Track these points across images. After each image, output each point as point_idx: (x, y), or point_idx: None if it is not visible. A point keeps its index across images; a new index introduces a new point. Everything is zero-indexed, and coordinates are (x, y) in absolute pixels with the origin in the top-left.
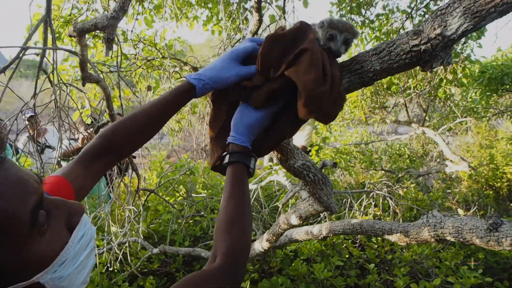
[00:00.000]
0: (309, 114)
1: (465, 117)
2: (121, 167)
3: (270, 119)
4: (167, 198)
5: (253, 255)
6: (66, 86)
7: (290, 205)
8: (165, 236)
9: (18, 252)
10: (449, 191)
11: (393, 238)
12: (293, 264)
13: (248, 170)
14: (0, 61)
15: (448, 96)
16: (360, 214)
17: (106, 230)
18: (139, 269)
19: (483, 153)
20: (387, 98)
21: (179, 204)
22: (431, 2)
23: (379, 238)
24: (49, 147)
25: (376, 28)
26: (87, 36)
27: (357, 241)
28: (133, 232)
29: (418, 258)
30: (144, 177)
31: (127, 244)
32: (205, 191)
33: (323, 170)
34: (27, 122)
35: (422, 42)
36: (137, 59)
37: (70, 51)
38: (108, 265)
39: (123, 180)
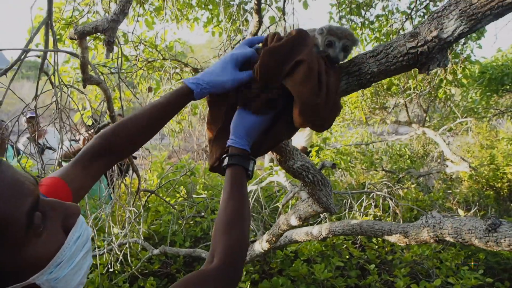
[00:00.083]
0: (304, 123)
1: (466, 117)
2: (122, 168)
3: (269, 123)
4: (167, 199)
5: (253, 256)
6: (67, 88)
7: (290, 206)
8: (165, 237)
9: (14, 253)
10: (450, 191)
11: (392, 238)
12: (293, 265)
13: (246, 172)
14: (2, 62)
15: (448, 96)
16: (360, 215)
17: (106, 231)
18: (139, 270)
19: (483, 154)
20: (387, 99)
21: (179, 205)
22: (431, 3)
23: (380, 239)
24: (50, 148)
25: (376, 29)
26: (88, 38)
27: (358, 242)
28: (133, 233)
29: (419, 258)
30: (145, 178)
31: (127, 245)
32: (206, 192)
33: (322, 171)
34: (25, 124)
35: (419, 44)
36: (138, 61)
37: (71, 53)
38: (109, 266)
39: (124, 181)
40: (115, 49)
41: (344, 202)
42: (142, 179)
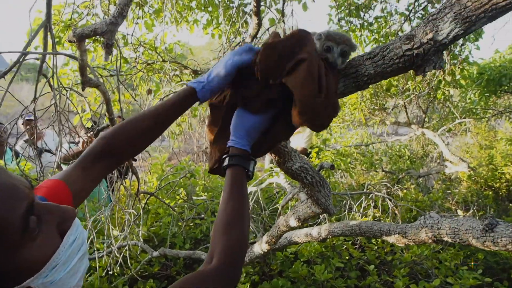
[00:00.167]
0: (303, 123)
1: (464, 118)
2: (121, 170)
3: (268, 123)
4: (167, 201)
5: (253, 258)
6: (66, 90)
7: (289, 207)
8: (165, 239)
9: (9, 257)
10: (449, 192)
11: (391, 239)
12: (293, 266)
13: (247, 173)
14: (1, 64)
15: (447, 97)
16: (359, 216)
17: (106, 233)
18: (139, 272)
19: (482, 154)
20: (386, 100)
21: (179, 207)
22: (429, 4)
23: (379, 240)
24: (48, 151)
25: (375, 31)
26: (87, 40)
27: (357, 243)
28: (133, 235)
29: (418, 259)
30: (145, 180)
31: (127, 248)
32: (206, 194)
33: (322, 172)
34: (22, 126)
35: (415, 46)
36: (138, 63)
37: (69, 56)
38: (108, 268)
39: (123, 183)
40: (114, 51)
41: (343, 203)
42: (142, 181)
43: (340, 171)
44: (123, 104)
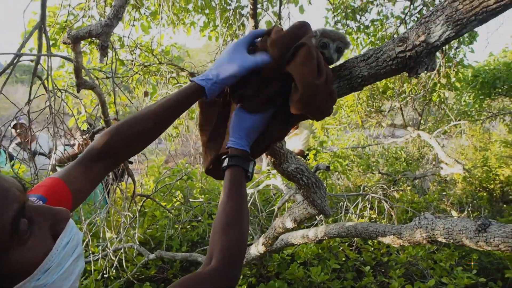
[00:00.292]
0: (303, 108)
1: (459, 120)
2: (117, 172)
3: (267, 122)
4: (164, 204)
5: (249, 259)
6: (61, 92)
7: (286, 209)
8: (162, 241)
9: None
10: (444, 193)
11: (386, 240)
12: (290, 268)
13: (246, 174)
14: None
15: (442, 100)
16: (356, 217)
17: (101, 236)
18: (135, 275)
19: (477, 156)
20: (383, 102)
21: (176, 209)
22: (424, 8)
23: (375, 241)
24: (42, 154)
25: (371, 34)
26: (83, 42)
27: (354, 244)
28: (129, 238)
29: (413, 260)
30: (141, 183)
31: (122, 250)
32: (203, 196)
33: (319, 174)
34: (13, 130)
35: (407, 48)
36: (134, 65)
37: (64, 58)
38: (104, 272)
39: (119, 185)
40: (110, 53)
41: (340, 204)
42: (139, 184)
43: (337, 173)
44: (120, 106)
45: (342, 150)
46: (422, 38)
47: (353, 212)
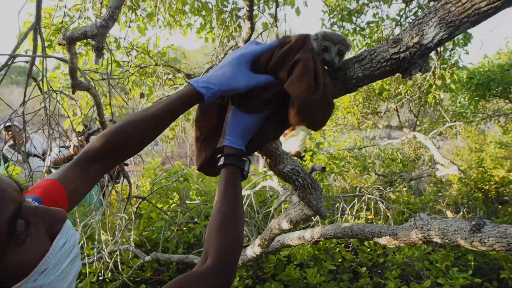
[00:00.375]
0: (301, 121)
1: (455, 121)
2: (112, 174)
3: (261, 124)
4: (160, 205)
5: (246, 261)
6: (56, 94)
7: (282, 210)
8: (158, 243)
9: None
10: (440, 194)
11: (382, 241)
12: (286, 270)
13: (242, 173)
14: None
15: (438, 101)
16: (352, 218)
17: (96, 238)
18: (131, 278)
19: (472, 157)
20: (379, 104)
21: (172, 211)
22: (419, 10)
23: (372, 242)
24: (36, 156)
25: (367, 36)
26: (79, 43)
27: (350, 245)
28: (124, 240)
29: (409, 260)
30: (137, 185)
31: (118, 253)
32: (199, 198)
33: (315, 175)
34: (4, 132)
35: (401, 50)
36: (130, 66)
37: (59, 59)
38: (99, 274)
39: (115, 187)
40: (107, 54)
41: (336, 206)
42: (135, 186)
43: (334, 174)
44: (116, 107)
45: (338, 152)
46: (416, 39)
47: (349, 213)
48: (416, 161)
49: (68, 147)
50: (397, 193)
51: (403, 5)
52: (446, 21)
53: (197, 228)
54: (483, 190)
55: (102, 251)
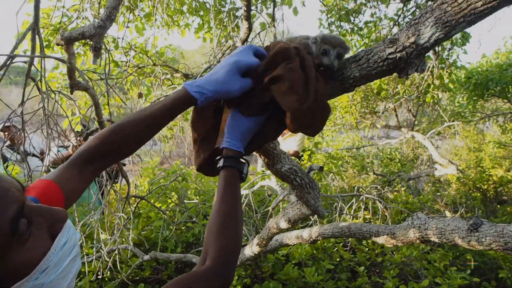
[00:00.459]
0: (297, 129)
1: (453, 121)
2: (111, 174)
3: (260, 125)
4: (158, 205)
5: (244, 260)
6: (55, 94)
7: (280, 210)
8: (156, 243)
9: None
10: (439, 193)
11: (380, 240)
12: (284, 269)
13: (241, 175)
14: None
15: (436, 101)
16: (350, 218)
17: (95, 237)
18: (130, 277)
19: (471, 156)
20: (377, 103)
21: (171, 211)
22: (417, 10)
23: (370, 241)
24: (35, 155)
25: (365, 35)
26: (77, 44)
27: (348, 245)
28: (123, 239)
29: (407, 260)
30: (136, 184)
31: (116, 252)
32: (198, 197)
33: (313, 175)
34: (1, 133)
35: (398, 50)
36: (128, 66)
37: (57, 59)
38: (98, 273)
39: (114, 186)
40: (105, 55)
41: (334, 205)
42: (133, 185)
43: (332, 174)
44: (114, 107)
45: (336, 151)
46: (412, 39)
47: (347, 212)
48: (415, 161)
49: (67, 147)
50: (395, 193)
51: (401, 5)
52: (443, 21)
53: (195, 227)
54: (481, 190)
55: (101, 250)
